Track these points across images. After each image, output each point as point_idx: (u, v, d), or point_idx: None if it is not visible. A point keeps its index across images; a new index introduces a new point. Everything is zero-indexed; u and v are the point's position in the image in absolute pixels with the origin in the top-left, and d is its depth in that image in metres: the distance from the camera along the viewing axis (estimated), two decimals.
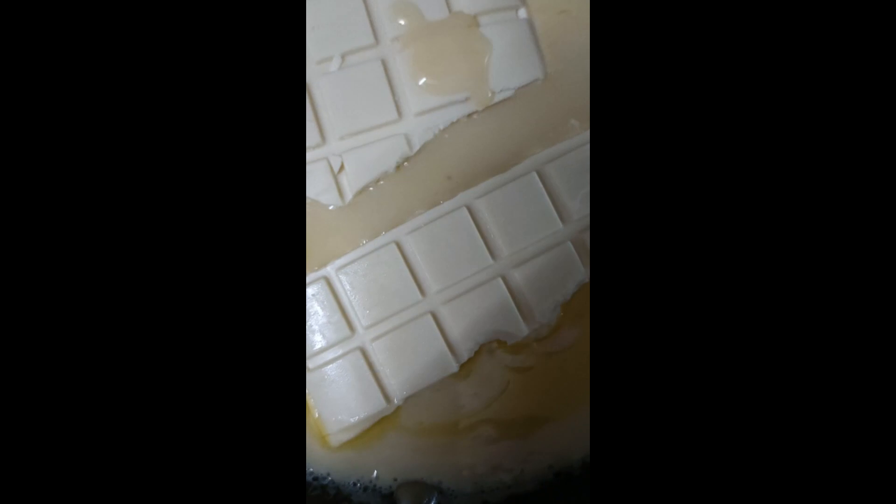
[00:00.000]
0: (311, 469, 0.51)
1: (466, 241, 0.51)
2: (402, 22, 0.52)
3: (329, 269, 0.51)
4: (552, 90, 0.53)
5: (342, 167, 0.51)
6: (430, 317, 0.50)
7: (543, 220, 0.51)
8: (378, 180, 0.52)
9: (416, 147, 0.52)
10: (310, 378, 0.50)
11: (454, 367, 0.50)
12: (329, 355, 0.50)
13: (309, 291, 0.50)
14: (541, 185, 0.51)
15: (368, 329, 0.50)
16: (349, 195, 0.52)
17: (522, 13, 0.54)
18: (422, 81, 0.52)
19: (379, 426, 0.52)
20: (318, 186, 0.51)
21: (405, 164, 0.52)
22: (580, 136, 0.52)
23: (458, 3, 0.53)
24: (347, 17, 0.52)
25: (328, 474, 0.51)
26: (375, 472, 0.51)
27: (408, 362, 0.50)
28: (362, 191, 0.52)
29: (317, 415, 0.51)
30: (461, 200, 0.51)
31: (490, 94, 0.52)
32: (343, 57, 0.52)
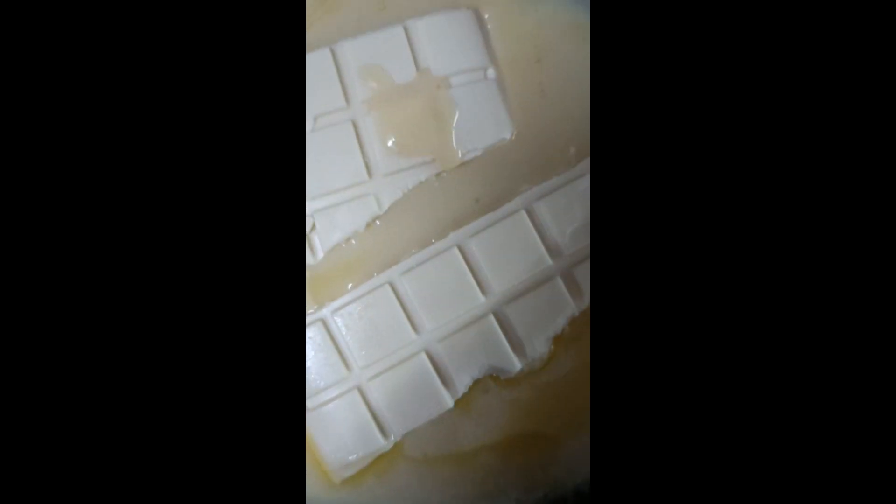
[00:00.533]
0: None
1: (458, 279, 0.52)
2: (372, 85, 0.53)
3: (325, 312, 0.52)
4: (519, 149, 0.54)
5: (314, 226, 0.53)
6: (424, 355, 0.51)
7: (533, 257, 0.52)
8: (349, 239, 0.53)
9: (386, 207, 0.53)
10: (310, 417, 0.51)
11: (449, 403, 0.51)
12: (327, 395, 0.52)
13: (307, 333, 0.52)
14: (530, 222, 0.52)
15: (364, 369, 0.52)
16: (320, 253, 0.53)
17: (491, 73, 0.55)
18: (390, 143, 0.53)
19: (382, 460, 0.53)
20: None
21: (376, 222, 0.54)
22: (571, 172, 0.53)
23: (427, 65, 0.54)
24: (319, 80, 0.53)
25: None
26: None
27: (404, 400, 0.51)
28: (333, 249, 0.53)
29: (318, 452, 0.52)
30: (452, 240, 0.52)
31: (455, 156, 0.53)
32: (315, 119, 0.53)
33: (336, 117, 0.53)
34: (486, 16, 0.56)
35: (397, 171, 0.53)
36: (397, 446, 0.53)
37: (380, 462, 0.53)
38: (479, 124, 0.54)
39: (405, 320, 0.52)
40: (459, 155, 0.53)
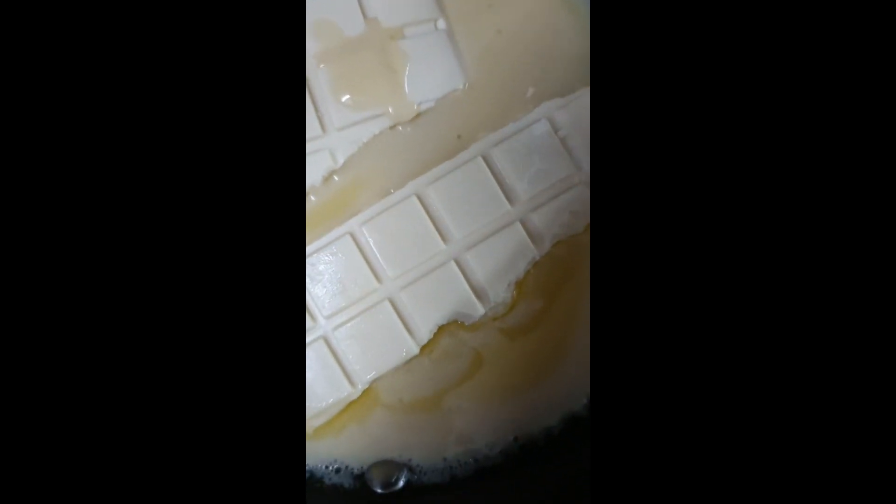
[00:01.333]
0: None
1: (418, 228, 0.52)
2: (322, 39, 0.54)
3: None
4: (474, 98, 0.55)
5: None
6: (387, 303, 0.52)
7: (491, 203, 0.52)
8: (307, 194, 0.54)
9: (341, 161, 0.54)
10: None
11: (415, 350, 0.52)
12: None
13: None
14: (487, 169, 0.52)
15: (329, 318, 0.52)
16: None
17: (441, 23, 0.55)
18: (344, 98, 0.54)
19: (360, 407, 0.54)
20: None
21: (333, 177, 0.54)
22: (528, 117, 0.54)
23: (376, 17, 0.54)
24: None
25: None
26: (347, 453, 0.54)
27: (370, 347, 0.52)
28: None
29: None
30: (410, 189, 0.53)
31: (410, 108, 0.54)
32: None
33: None
34: None
35: (351, 124, 0.53)
36: (372, 393, 0.53)
37: (358, 409, 0.54)
38: (432, 75, 0.54)
39: (367, 270, 0.52)
40: (414, 107, 0.54)
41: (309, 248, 0.53)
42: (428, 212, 0.52)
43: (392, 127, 0.54)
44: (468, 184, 0.52)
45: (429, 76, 0.54)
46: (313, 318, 0.52)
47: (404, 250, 0.52)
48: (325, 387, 0.52)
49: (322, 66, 0.53)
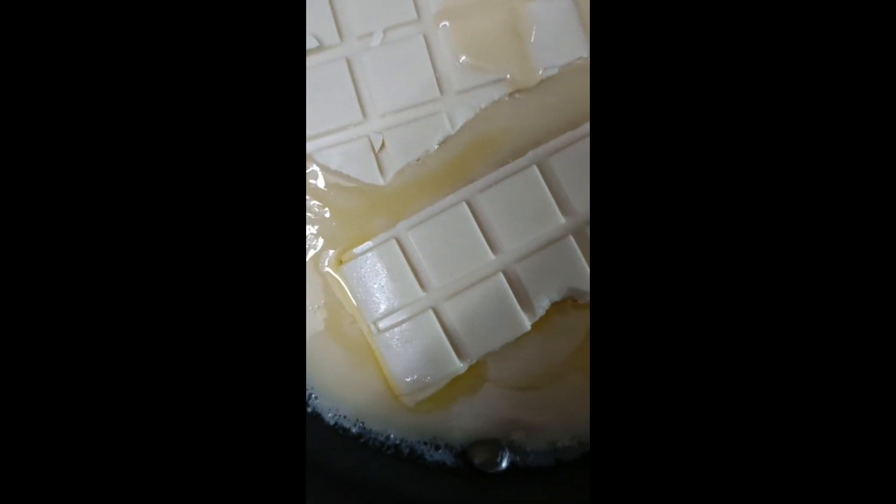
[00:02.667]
0: (386, 431, 0.52)
1: (537, 199, 0.50)
2: None
3: (399, 229, 0.51)
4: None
5: (383, 145, 0.51)
6: (502, 275, 0.50)
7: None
8: (418, 159, 0.52)
9: (458, 125, 0.52)
10: (381, 339, 0.50)
11: (527, 326, 0.50)
12: (399, 316, 0.50)
13: (377, 252, 0.50)
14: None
15: (440, 290, 0.50)
16: (390, 174, 0.52)
17: None
18: (462, 59, 0.51)
19: (467, 382, 0.52)
20: (359, 165, 0.51)
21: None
22: (581, 129, 0.51)
23: None
24: None
25: (401, 436, 0.52)
26: (452, 430, 0.52)
27: (481, 322, 0.50)
28: (405, 167, 0.52)
29: (389, 375, 0.51)
30: (531, 158, 0.51)
31: (533, 73, 0.51)
32: (385, 32, 0.52)
33: (407, 30, 0.52)
34: None
35: (471, 88, 0.51)
36: (480, 370, 0.51)
37: (465, 384, 0.52)
38: (556, 41, 0.52)
39: (482, 240, 0.50)
40: (539, 73, 0.52)
41: (422, 214, 0.50)
42: (549, 183, 0.50)
43: (511, 94, 0.52)
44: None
45: (553, 41, 0.52)
46: (424, 288, 0.50)
47: (523, 221, 0.50)
48: (430, 361, 0.50)
49: (445, 23, 0.51)
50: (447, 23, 0.51)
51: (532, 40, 0.51)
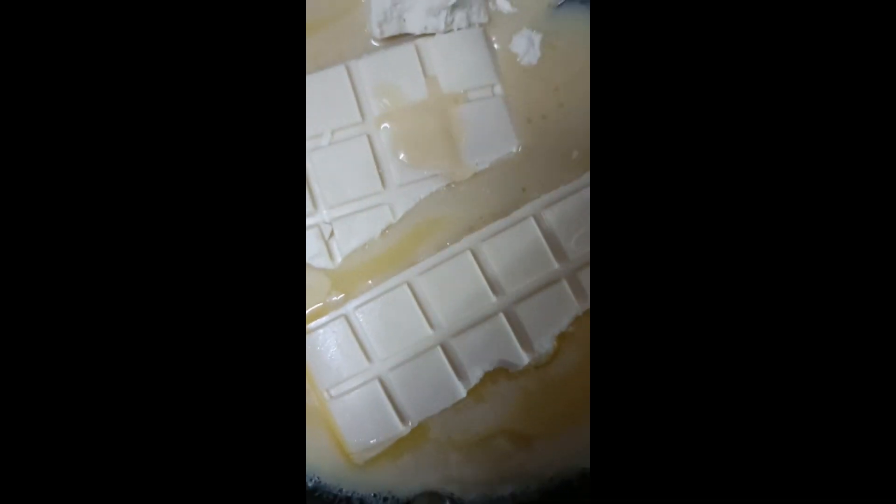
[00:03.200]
0: (338, 485, 0.58)
1: (471, 280, 0.56)
2: (385, 101, 0.58)
3: (348, 308, 0.57)
4: (527, 160, 0.59)
5: (332, 233, 0.57)
6: (439, 349, 0.56)
7: (540, 260, 0.56)
8: (364, 245, 0.58)
9: (399, 215, 0.58)
10: (333, 404, 0.56)
11: (462, 393, 0.56)
12: (349, 384, 0.56)
13: (329, 328, 0.56)
14: (538, 228, 0.56)
15: (384, 361, 0.56)
16: (339, 259, 0.58)
17: (498, 89, 0.58)
18: (401, 156, 0.57)
19: (414, 442, 0.58)
20: (311, 251, 0.57)
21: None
22: (577, 182, 0.57)
23: (437, 83, 0.58)
24: (336, 96, 0.57)
25: (352, 490, 0.58)
26: (398, 484, 0.58)
27: (421, 389, 0.56)
28: (352, 253, 0.58)
29: (341, 437, 0.57)
30: (466, 244, 0.56)
31: (466, 169, 0.58)
32: (332, 133, 0.58)
33: (352, 131, 0.58)
34: (493, 38, 0.59)
35: (410, 182, 0.57)
36: (423, 430, 0.57)
37: (410, 443, 0.58)
38: (488, 139, 0.58)
39: (422, 317, 0.56)
40: (470, 168, 0.57)
41: (368, 295, 0.56)
42: (481, 266, 0.56)
43: (448, 185, 0.58)
44: (520, 242, 0.56)
45: (485, 139, 0.57)
46: (369, 360, 0.56)
47: (457, 301, 0.56)
48: (377, 424, 0.56)
49: (386, 125, 0.57)
50: (388, 125, 0.57)
51: (463, 141, 0.57)
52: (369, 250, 0.58)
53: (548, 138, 0.58)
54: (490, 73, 0.58)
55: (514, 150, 0.58)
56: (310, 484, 0.58)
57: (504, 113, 0.58)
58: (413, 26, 0.59)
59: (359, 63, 0.58)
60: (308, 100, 0.57)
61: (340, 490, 0.58)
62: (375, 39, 0.60)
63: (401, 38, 0.59)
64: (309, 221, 0.57)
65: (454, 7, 0.58)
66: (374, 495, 0.58)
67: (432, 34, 0.58)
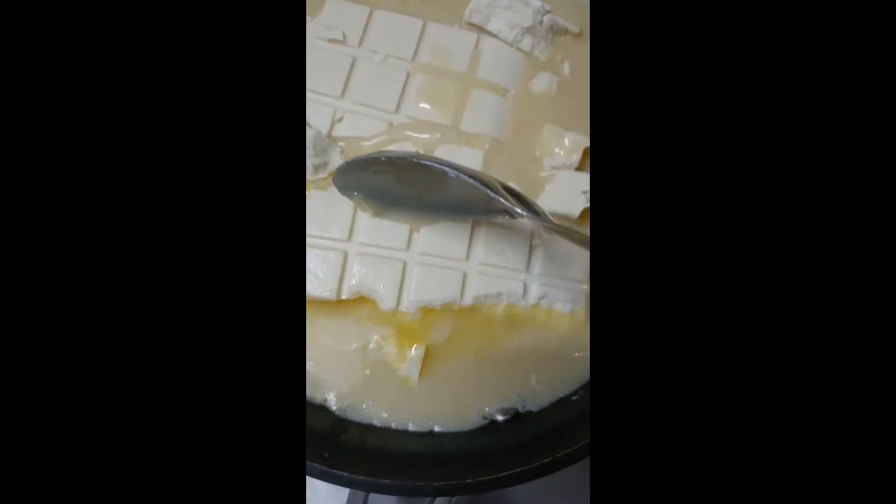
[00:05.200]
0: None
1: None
2: (434, 60, 0.72)
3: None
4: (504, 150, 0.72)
5: (341, 118, 0.69)
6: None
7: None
8: (357, 138, 0.69)
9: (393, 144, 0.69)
10: None
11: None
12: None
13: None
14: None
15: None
16: (329, 131, 0.68)
17: (510, 95, 0.73)
18: (421, 104, 0.71)
19: None
20: (319, 119, 0.68)
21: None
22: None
23: (476, 67, 0.72)
24: (405, 37, 0.72)
25: None
26: None
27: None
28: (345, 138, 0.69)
29: None
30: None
31: (460, 133, 0.71)
32: (386, 56, 0.71)
33: (400, 63, 0.71)
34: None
35: (416, 117, 0.69)
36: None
37: None
38: (484, 121, 0.71)
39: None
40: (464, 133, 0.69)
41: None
42: None
43: (441, 136, 0.70)
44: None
45: (481, 120, 0.71)
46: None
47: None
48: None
49: (421, 76, 0.72)
50: (423, 76, 0.71)
51: (467, 112, 0.70)
52: (357, 144, 0.70)
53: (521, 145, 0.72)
54: (512, 82, 0.73)
55: (497, 137, 0.71)
56: None
57: (504, 110, 0.72)
58: (492, 26, 0.74)
59: (434, 26, 0.72)
60: (385, 31, 0.71)
61: None
62: (460, 20, 0.75)
63: (477, 27, 0.74)
64: (331, 101, 0.69)
65: (526, 30, 0.73)
66: None
67: (498, 38, 0.74)
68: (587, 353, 0.65)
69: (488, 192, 0.54)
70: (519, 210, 0.54)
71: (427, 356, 0.64)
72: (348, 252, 0.65)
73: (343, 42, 0.71)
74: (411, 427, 0.64)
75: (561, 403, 0.65)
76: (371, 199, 0.65)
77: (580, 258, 0.66)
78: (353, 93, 0.71)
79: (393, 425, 0.64)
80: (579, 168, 0.69)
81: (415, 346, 0.64)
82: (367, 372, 0.64)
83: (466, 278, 0.66)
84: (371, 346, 0.64)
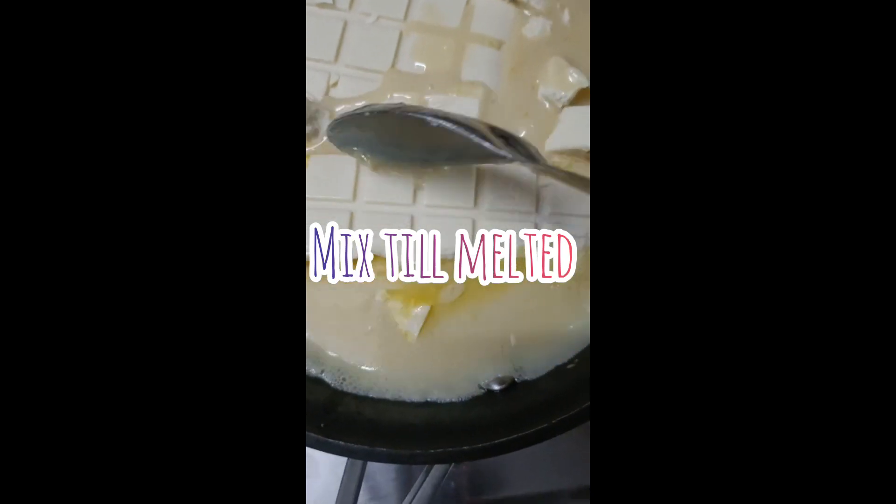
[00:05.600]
0: None
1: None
2: (426, 17, 0.71)
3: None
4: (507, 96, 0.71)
5: (336, 83, 0.69)
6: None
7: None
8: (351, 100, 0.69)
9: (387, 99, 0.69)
10: None
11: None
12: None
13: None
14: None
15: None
16: (324, 96, 0.68)
17: (504, 49, 0.72)
18: (416, 64, 0.70)
19: None
20: (315, 85, 0.68)
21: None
22: None
23: (470, 21, 0.71)
24: None
25: None
26: None
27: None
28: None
29: None
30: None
31: (459, 83, 0.70)
32: (378, 18, 0.71)
33: (392, 24, 0.70)
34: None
35: (410, 76, 0.69)
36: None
37: None
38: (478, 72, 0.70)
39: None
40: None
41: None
42: None
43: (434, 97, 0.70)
44: None
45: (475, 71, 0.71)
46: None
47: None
48: None
49: (414, 35, 0.71)
50: (417, 35, 0.70)
51: (461, 66, 0.70)
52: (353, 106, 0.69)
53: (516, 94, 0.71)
54: (506, 34, 0.72)
55: (499, 84, 0.71)
56: None
57: (497, 64, 0.72)
58: None
59: None
60: None
61: None
62: None
63: None
64: (324, 66, 0.69)
65: None
66: None
67: None
68: (582, 321, 0.65)
69: (472, 137, 0.53)
70: (508, 154, 0.52)
71: (430, 315, 0.64)
72: (354, 211, 0.66)
73: (333, 6, 0.71)
74: (407, 396, 0.64)
75: (557, 372, 0.65)
76: (369, 153, 0.65)
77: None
78: (347, 56, 0.70)
79: (388, 396, 0.63)
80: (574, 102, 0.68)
81: (421, 305, 0.63)
82: (369, 328, 0.64)
83: (476, 225, 0.65)
84: (377, 298, 0.64)
